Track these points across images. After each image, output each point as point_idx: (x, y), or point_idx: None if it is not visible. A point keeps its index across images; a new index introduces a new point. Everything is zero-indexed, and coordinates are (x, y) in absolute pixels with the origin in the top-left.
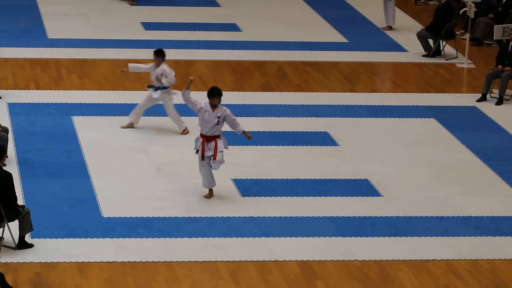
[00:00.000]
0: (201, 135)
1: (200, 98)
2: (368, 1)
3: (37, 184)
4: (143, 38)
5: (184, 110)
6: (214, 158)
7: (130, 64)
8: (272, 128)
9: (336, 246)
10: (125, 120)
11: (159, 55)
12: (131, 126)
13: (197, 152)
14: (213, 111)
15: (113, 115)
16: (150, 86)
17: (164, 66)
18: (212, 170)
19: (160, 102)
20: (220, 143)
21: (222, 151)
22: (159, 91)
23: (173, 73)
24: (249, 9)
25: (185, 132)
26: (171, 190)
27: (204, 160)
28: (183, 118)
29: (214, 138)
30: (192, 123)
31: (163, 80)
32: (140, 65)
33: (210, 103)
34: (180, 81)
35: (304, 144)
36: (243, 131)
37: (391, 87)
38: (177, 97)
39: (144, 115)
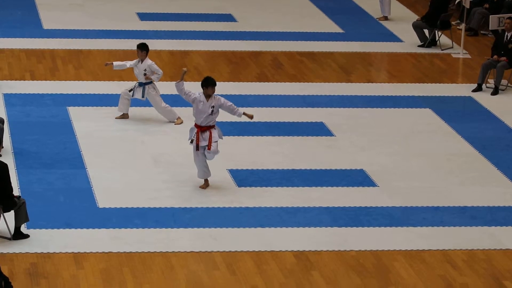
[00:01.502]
0: (196, 125)
1: (196, 88)
2: None
3: (32, 174)
4: (139, 28)
5: (179, 100)
6: (209, 148)
7: (115, 63)
8: (268, 119)
9: (332, 236)
10: None
11: (143, 48)
12: (125, 117)
13: (191, 142)
14: (207, 101)
15: (109, 105)
16: (138, 83)
17: (149, 61)
18: (207, 161)
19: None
20: (215, 133)
21: (217, 141)
22: (143, 91)
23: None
24: None
25: (178, 121)
26: (166, 181)
27: (198, 150)
28: (177, 108)
29: (208, 128)
30: (186, 113)
31: (154, 77)
32: (125, 63)
33: (204, 93)
34: (176, 72)
35: (300, 135)
36: (244, 113)
37: (387, 78)
38: (171, 88)
39: (140, 105)
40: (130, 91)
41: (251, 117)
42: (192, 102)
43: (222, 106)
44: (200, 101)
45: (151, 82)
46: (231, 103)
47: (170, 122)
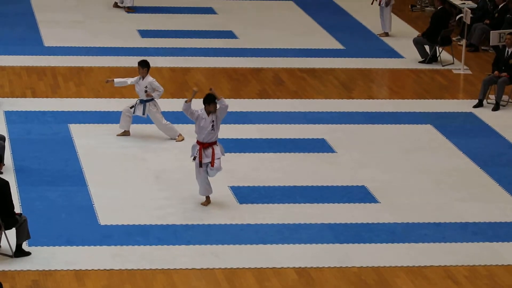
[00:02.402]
0: (198, 142)
1: (197, 106)
2: (364, 7)
3: (34, 192)
4: (140, 45)
5: (181, 117)
6: (212, 165)
7: (116, 80)
8: (269, 135)
9: (333, 253)
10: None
11: (144, 65)
12: (126, 134)
13: (194, 159)
14: (208, 117)
15: (110, 122)
16: (140, 100)
17: (150, 79)
18: (209, 177)
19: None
20: (217, 149)
21: (220, 158)
22: (144, 108)
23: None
24: (246, 16)
25: (179, 138)
26: (168, 198)
27: (201, 167)
28: (178, 125)
29: (211, 144)
30: (188, 130)
31: (154, 94)
32: (126, 79)
33: (205, 109)
34: (177, 88)
35: (301, 151)
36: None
37: (388, 94)
38: (173, 105)
39: (141, 122)
40: (131, 108)
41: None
42: (195, 120)
43: (221, 112)
44: (202, 118)
45: (152, 99)
46: (223, 105)
47: (171, 139)
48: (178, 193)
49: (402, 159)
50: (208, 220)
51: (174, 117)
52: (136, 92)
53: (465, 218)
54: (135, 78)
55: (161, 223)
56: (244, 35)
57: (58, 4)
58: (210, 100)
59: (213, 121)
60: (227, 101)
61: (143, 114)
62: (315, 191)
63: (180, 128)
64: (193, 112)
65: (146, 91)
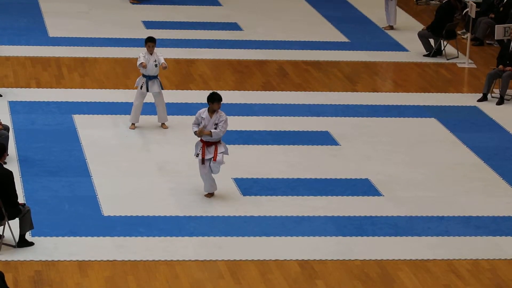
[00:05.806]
0: (201, 139)
1: (201, 97)
2: (369, 1)
3: (37, 182)
4: (144, 36)
5: (183, 109)
6: (214, 159)
7: (143, 63)
8: (273, 128)
9: (336, 246)
10: (126, 118)
11: (155, 41)
12: (134, 127)
13: (197, 156)
14: (211, 117)
15: (114, 113)
16: (148, 77)
17: (158, 52)
18: (213, 174)
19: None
20: (221, 147)
21: (222, 152)
22: (160, 82)
23: None
24: (251, 8)
25: (132, 127)
26: (171, 189)
27: (204, 163)
28: (181, 117)
29: (214, 143)
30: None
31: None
32: (142, 59)
33: (209, 108)
34: (181, 80)
35: (305, 144)
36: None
37: (392, 87)
38: (176, 96)
39: (146, 114)
40: (141, 88)
41: (205, 133)
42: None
43: (219, 123)
44: (202, 117)
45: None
46: (222, 129)
47: (178, 132)
48: (181, 184)
49: (406, 152)
50: (211, 212)
51: (178, 109)
52: (142, 71)
53: (468, 212)
54: (142, 56)
55: (164, 215)
56: (249, 27)
57: None
58: (214, 98)
59: (216, 124)
60: (231, 92)
61: (162, 88)
62: (319, 183)
63: (185, 120)
64: (198, 123)
65: (164, 66)
